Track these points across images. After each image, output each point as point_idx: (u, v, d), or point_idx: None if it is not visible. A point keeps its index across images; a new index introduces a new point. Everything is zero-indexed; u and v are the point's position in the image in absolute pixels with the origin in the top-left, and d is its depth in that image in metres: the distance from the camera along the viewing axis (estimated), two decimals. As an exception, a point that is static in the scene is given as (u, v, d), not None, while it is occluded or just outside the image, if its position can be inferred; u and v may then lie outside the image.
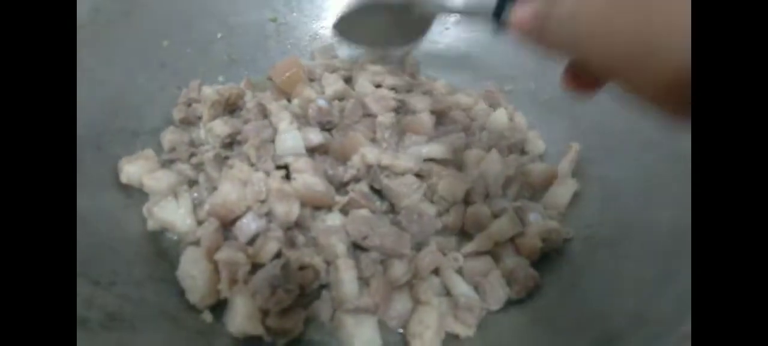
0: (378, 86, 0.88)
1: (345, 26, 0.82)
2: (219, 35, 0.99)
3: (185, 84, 0.90)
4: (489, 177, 0.75)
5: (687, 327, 0.44)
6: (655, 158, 0.70)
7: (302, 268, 0.62)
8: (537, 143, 0.87)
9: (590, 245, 0.68)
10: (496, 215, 0.72)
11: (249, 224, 0.65)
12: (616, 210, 0.70)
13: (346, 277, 0.61)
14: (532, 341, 0.58)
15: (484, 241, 0.68)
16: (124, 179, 0.74)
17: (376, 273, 0.63)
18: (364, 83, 0.88)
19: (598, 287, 0.60)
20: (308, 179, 0.68)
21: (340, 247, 0.63)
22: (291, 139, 0.73)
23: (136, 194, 0.74)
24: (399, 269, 0.63)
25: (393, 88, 0.87)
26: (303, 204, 0.68)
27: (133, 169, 0.74)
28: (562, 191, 0.76)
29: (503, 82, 0.97)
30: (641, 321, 0.49)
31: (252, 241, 0.66)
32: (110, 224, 0.68)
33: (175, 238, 0.71)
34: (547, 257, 0.69)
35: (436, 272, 0.66)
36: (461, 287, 0.64)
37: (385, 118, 0.77)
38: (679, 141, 0.67)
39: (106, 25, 0.83)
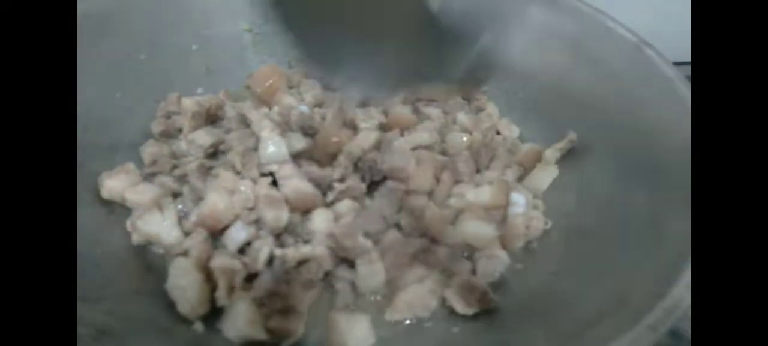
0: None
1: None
2: (194, 47, 0.99)
3: (163, 97, 0.90)
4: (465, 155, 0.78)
5: (664, 304, 0.46)
6: (626, 147, 0.74)
7: (301, 263, 0.63)
8: (510, 128, 0.90)
9: (569, 234, 0.71)
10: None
11: (238, 233, 0.66)
12: (593, 199, 0.73)
13: (377, 268, 0.64)
14: (521, 327, 0.59)
15: (473, 209, 0.71)
16: (105, 194, 0.73)
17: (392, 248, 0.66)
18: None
19: (578, 274, 0.63)
20: (296, 183, 0.69)
21: (364, 241, 0.65)
22: (274, 146, 0.74)
23: (118, 209, 0.73)
24: (417, 244, 0.67)
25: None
26: (292, 209, 0.68)
27: (115, 184, 0.73)
28: (543, 176, 0.79)
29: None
30: (620, 303, 0.51)
31: (241, 249, 0.66)
32: (92, 240, 0.67)
33: (161, 252, 0.70)
34: (531, 249, 0.71)
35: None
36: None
37: (372, 134, 0.78)
38: (650, 133, 0.71)
39: (80, 41, 0.82)
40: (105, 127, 0.81)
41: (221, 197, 0.66)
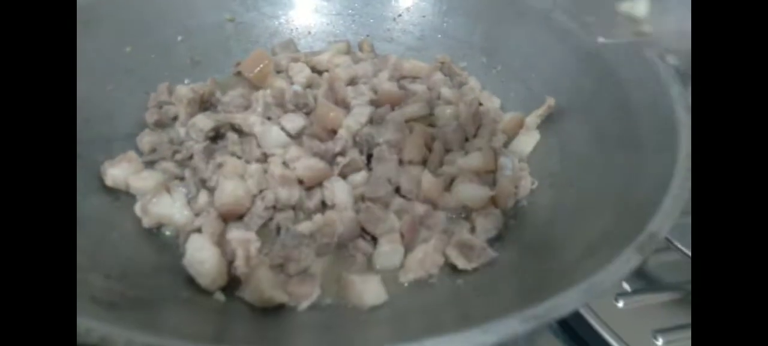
0: (352, 79, 0.93)
1: None
2: (179, 38, 1.00)
3: (152, 88, 0.91)
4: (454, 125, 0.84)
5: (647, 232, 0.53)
6: (600, 106, 0.80)
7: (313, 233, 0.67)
8: (492, 100, 0.96)
9: (556, 190, 0.77)
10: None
11: (260, 213, 0.69)
12: (574, 157, 0.80)
13: (397, 249, 0.68)
14: (519, 274, 0.65)
15: (465, 174, 0.76)
16: (109, 182, 0.74)
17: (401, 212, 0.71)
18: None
19: (566, 222, 0.69)
20: (306, 162, 0.73)
21: (393, 219, 0.70)
22: (273, 133, 0.77)
23: (124, 197, 0.75)
24: (420, 208, 0.72)
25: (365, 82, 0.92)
26: (303, 186, 0.72)
27: (118, 172, 0.74)
28: (527, 139, 0.85)
29: (456, 60, 1.05)
30: (606, 238, 0.57)
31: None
32: (104, 225, 0.68)
33: (169, 233, 0.72)
34: (521, 208, 0.77)
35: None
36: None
37: (366, 109, 0.82)
38: (620, 90, 0.78)
39: (69, 34, 0.82)
40: (100, 120, 0.82)
41: (237, 183, 0.69)
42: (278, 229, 0.68)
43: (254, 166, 0.72)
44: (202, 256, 0.64)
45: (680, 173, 0.58)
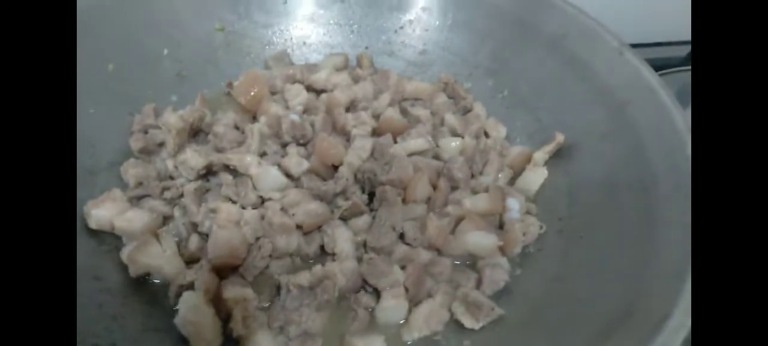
0: (351, 102, 0.88)
1: None
2: (165, 51, 0.93)
3: (137, 109, 0.85)
4: (460, 161, 0.80)
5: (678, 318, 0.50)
6: (612, 149, 0.77)
7: (313, 286, 0.64)
8: (498, 128, 0.91)
9: (564, 239, 0.74)
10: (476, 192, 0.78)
11: (255, 264, 0.65)
12: (583, 202, 0.77)
13: (401, 304, 0.66)
14: (531, 337, 0.62)
15: (471, 218, 0.73)
16: (93, 224, 0.69)
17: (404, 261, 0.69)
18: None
19: (580, 279, 0.66)
20: (306, 207, 0.68)
21: (397, 272, 0.67)
22: (271, 175, 0.72)
23: (108, 239, 0.70)
24: (425, 255, 0.70)
25: (365, 107, 0.87)
26: (302, 230, 0.68)
27: (102, 213, 0.69)
28: (534, 177, 0.82)
29: (460, 80, 1.00)
30: (632, 310, 0.55)
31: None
32: (89, 276, 0.64)
33: (158, 281, 0.68)
34: (527, 254, 0.75)
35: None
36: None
37: (367, 142, 0.77)
38: (633, 134, 0.75)
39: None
40: (82, 150, 0.76)
41: (232, 233, 0.65)
42: (278, 288, 0.64)
43: (250, 213, 0.68)
44: (196, 317, 0.60)
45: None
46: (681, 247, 0.56)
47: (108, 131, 0.81)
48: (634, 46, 0.81)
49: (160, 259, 0.66)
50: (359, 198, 0.74)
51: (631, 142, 0.74)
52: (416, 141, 0.82)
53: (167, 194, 0.73)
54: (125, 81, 0.86)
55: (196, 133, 0.84)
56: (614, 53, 0.81)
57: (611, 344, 0.52)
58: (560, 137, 0.83)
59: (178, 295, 0.63)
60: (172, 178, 0.77)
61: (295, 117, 0.81)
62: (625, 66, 0.79)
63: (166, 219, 0.73)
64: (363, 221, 0.73)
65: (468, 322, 0.65)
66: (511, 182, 0.84)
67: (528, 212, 0.79)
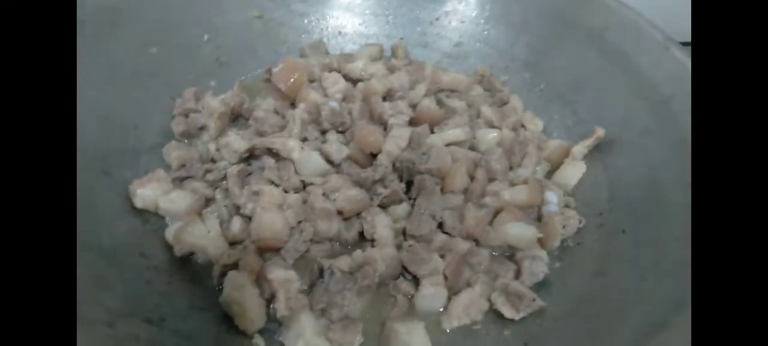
0: (388, 91, 0.88)
1: None
2: (205, 37, 0.95)
3: (178, 93, 0.86)
4: (498, 153, 0.80)
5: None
6: (654, 145, 0.76)
7: (353, 271, 0.64)
8: (535, 122, 0.91)
9: (604, 233, 0.73)
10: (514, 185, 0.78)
11: (296, 248, 0.65)
12: (624, 197, 0.76)
13: (440, 292, 0.65)
14: (572, 331, 0.62)
15: (510, 209, 0.73)
16: (138, 203, 0.70)
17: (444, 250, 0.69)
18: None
19: (622, 275, 0.65)
20: (347, 193, 0.69)
21: (436, 260, 0.67)
22: (312, 160, 0.73)
23: (153, 218, 0.71)
24: (464, 245, 0.69)
25: (402, 96, 0.87)
26: (342, 216, 0.69)
27: (148, 193, 0.71)
28: (572, 172, 0.81)
29: (497, 73, 0.99)
30: (681, 306, 0.54)
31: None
32: (135, 255, 0.65)
33: (201, 261, 0.69)
34: (566, 248, 0.74)
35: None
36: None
37: (405, 131, 0.77)
38: (678, 129, 0.74)
39: (93, 37, 0.77)
40: (127, 131, 0.78)
41: (275, 216, 0.65)
42: (321, 271, 0.65)
43: (293, 197, 0.68)
44: (241, 296, 0.61)
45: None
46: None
47: (150, 114, 0.82)
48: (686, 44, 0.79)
49: (204, 239, 0.67)
50: (398, 186, 0.74)
51: (675, 138, 0.73)
52: (454, 131, 0.81)
53: (210, 177, 0.74)
54: (167, 65, 0.88)
55: (236, 117, 0.86)
56: (659, 47, 0.80)
57: (667, 335, 0.51)
58: (600, 132, 0.82)
59: (222, 275, 0.64)
60: (213, 161, 0.78)
61: (334, 104, 0.81)
62: (670, 61, 0.78)
63: (209, 201, 0.74)
64: (402, 209, 0.73)
65: (508, 312, 0.65)
66: (549, 175, 0.84)
67: (566, 206, 0.78)
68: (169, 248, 0.68)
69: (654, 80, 0.79)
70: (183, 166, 0.76)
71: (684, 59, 0.77)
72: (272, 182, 0.71)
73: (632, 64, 0.83)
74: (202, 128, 0.83)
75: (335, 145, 0.74)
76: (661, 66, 0.79)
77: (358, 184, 0.73)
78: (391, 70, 0.96)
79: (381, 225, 0.70)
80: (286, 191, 0.71)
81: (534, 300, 0.65)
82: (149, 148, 0.80)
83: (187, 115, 0.84)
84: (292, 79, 0.85)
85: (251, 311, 0.61)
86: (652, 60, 0.80)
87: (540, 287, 0.69)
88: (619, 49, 0.85)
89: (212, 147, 0.78)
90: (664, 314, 0.54)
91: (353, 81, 0.94)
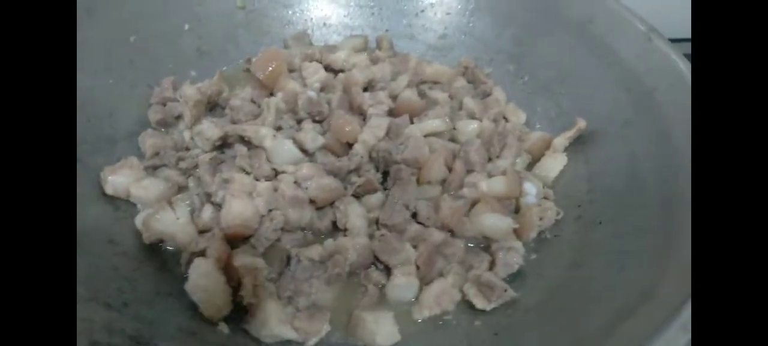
0: (369, 82, 0.87)
1: None
2: (186, 27, 0.94)
3: (157, 82, 0.85)
4: (477, 144, 0.79)
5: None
6: (636, 136, 0.75)
7: (324, 260, 0.63)
8: (517, 114, 0.90)
9: (583, 225, 0.72)
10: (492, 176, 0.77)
11: (267, 236, 0.64)
12: (604, 189, 0.75)
13: (412, 282, 0.65)
14: (544, 321, 0.61)
15: (487, 200, 0.72)
16: (109, 190, 0.70)
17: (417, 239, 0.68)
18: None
19: (598, 266, 0.64)
20: (319, 181, 0.68)
21: (408, 250, 0.66)
22: (285, 148, 0.72)
23: (124, 205, 0.71)
24: (438, 236, 0.68)
25: (383, 87, 0.86)
26: (315, 205, 0.68)
27: (119, 180, 0.70)
28: (553, 163, 0.80)
29: (481, 65, 0.98)
30: (649, 295, 0.53)
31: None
32: (104, 241, 0.64)
33: (171, 248, 0.68)
34: (544, 240, 0.73)
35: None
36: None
37: (383, 121, 0.76)
38: (658, 120, 0.73)
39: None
40: (102, 119, 0.77)
41: (245, 203, 0.64)
42: (288, 258, 0.64)
43: (264, 185, 0.68)
44: (206, 283, 0.60)
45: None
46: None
47: (127, 102, 0.82)
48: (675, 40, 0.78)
49: (173, 226, 0.66)
50: (373, 176, 0.73)
51: (656, 129, 0.72)
52: (433, 122, 0.80)
53: (183, 165, 0.74)
54: (146, 54, 0.87)
55: (213, 107, 0.85)
56: (642, 38, 0.78)
57: (626, 328, 0.50)
58: (582, 123, 0.81)
59: (190, 262, 0.62)
60: (188, 149, 0.77)
61: (312, 94, 0.81)
62: (654, 52, 0.77)
63: (181, 189, 0.74)
64: (376, 198, 0.72)
65: (479, 303, 0.64)
66: (529, 167, 0.83)
67: (545, 198, 0.77)
68: (138, 235, 0.67)
69: (637, 71, 0.78)
70: (157, 154, 0.76)
71: (667, 50, 0.76)
72: (243, 170, 0.70)
73: (616, 55, 0.82)
74: (179, 117, 0.82)
75: (310, 134, 0.73)
76: (644, 57, 0.78)
77: (332, 173, 0.72)
78: (375, 61, 0.95)
79: (354, 214, 0.69)
80: (257, 179, 0.70)
81: (505, 291, 0.63)
82: (125, 136, 0.79)
83: (164, 104, 0.83)
84: (270, 68, 0.84)
85: (217, 298, 0.60)
86: (635, 51, 0.79)
87: (514, 278, 0.68)
88: (603, 40, 0.84)
89: (187, 135, 0.78)
90: (633, 302, 0.53)
91: (335, 72, 0.93)
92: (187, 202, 0.71)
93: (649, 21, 0.80)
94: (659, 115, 0.73)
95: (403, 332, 0.62)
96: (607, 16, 0.84)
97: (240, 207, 0.65)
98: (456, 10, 1.03)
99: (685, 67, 0.72)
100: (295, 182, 0.69)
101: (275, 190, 0.69)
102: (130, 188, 0.70)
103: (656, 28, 0.79)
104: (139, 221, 0.68)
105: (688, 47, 0.78)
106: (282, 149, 0.71)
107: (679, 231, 0.58)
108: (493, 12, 0.99)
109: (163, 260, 0.67)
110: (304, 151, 0.74)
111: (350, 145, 0.77)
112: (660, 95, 0.74)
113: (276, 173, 0.71)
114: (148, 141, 0.77)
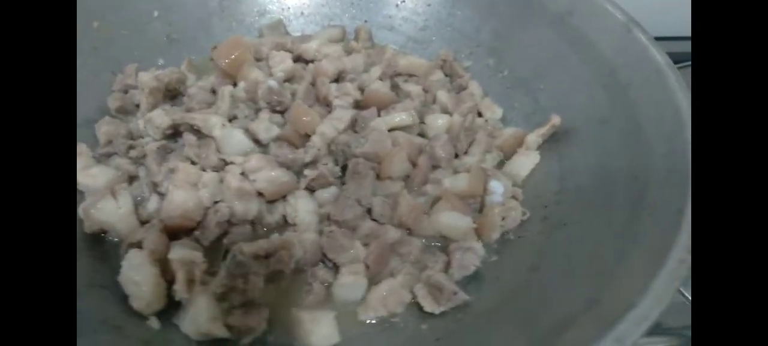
0: (340, 74, 0.84)
1: None
2: (155, 13, 0.92)
3: (121, 69, 0.83)
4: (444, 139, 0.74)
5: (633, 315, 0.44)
6: (609, 134, 0.70)
7: (269, 255, 0.60)
8: (493, 109, 0.85)
9: (548, 226, 0.68)
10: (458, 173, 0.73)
11: (211, 229, 0.62)
12: (573, 189, 0.70)
13: (360, 282, 0.62)
14: (493, 328, 0.57)
15: (448, 198, 0.68)
16: (55, 177, 0.68)
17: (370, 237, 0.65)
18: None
19: (556, 270, 0.60)
20: (267, 173, 0.65)
21: (358, 248, 0.63)
22: (234, 138, 0.69)
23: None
24: (393, 233, 0.65)
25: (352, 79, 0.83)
26: (265, 198, 0.65)
27: (65, 167, 0.68)
28: (525, 161, 0.75)
29: (461, 58, 0.94)
30: (594, 303, 0.49)
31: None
32: (41, 228, 0.62)
33: (114, 239, 0.66)
34: (507, 241, 0.69)
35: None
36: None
37: (346, 113, 0.73)
38: (631, 118, 0.68)
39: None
40: (56, 103, 0.75)
41: (188, 193, 0.62)
42: (226, 252, 0.61)
43: (209, 175, 0.65)
44: (138, 275, 0.58)
45: (681, 242, 0.48)
46: (661, 236, 0.50)
47: (88, 88, 0.79)
48: (660, 39, 0.73)
49: (114, 216, 0.64)
50: (330, 170, 0.70)
51: (629, 127, 0.67)
52: (399, 115, 0.77)
53: (133, 153, 0.71)
54: (110, 41, 0.85)
55: (174, 96, 0.82)
56: (622, 30, 0.73)
57: (573, 332, 0.46)
58: (556, 120, 0.76)
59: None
60: (143, 137, 0.75)
61: (272, 83, 0.77)
62: (632, 44, 0.72)
63: (133, 179, 0.71)
64: (330, 193, 0.69)
65: (428, 305, 0.60)
66: (500, 165, 0.78)
67: (514, 197, 0.72)
68: (81, 223, 0.65)
69: (614, 65, 0.73)
70: (110, 142, 0.74)
71: (646, 42, 0.71)
72: (190, 160, 0.67)
73: (594, 49, 0.77)
74: (139, 105, 0.80)
75: (263, 124, 0.70)
76: (622, 50, 0.73)
77: (285, 165, 0.69)
78: (349, 52, 0.92)
79: (303, 209, 0.66)
80: (204, 170, 0.67)
81: (455, 294, 0.59)
82: (82, 123, 0.76)
83: (126, 92, 0.81)
84: (233, 56, 0.81)
85: (148, 292, 0.57)
86: (613, 43, 0.74)
87: (471, 280, 0.64)
88: (582, 33, 0.79)
89: (141, 124, 0.75)
90: (576, 311, 0.48)
91: (306, 62, 0.90)
92: (138, 193, 0.69)
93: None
94: (632, 112, 0.68)
95: (345, 333, 0.59)
96: (587, 8, 0.79)
97: (182, 198, 0.63)
98: (437, 1, 0.98)
99: (663, 60, 0.68)
100: (242, 174, 0.66)
101: (221, 181, 0.66)
102: (78, 175, 0.68)
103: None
104: (81, 209, 0.65)
105: (670, 46, 0.72)
106: (231, 139, 0.68)
107: (637, 234, 0.54)
108: (475, 5, 0.95)
109: (104, 250, 0.65)
110: (257, 141, 0.71)
111: (309, 137, 0.73)
112: (635, 92, 0.69)
113: (225, 164, 0.69)
114: (103, 129, 0.75)
